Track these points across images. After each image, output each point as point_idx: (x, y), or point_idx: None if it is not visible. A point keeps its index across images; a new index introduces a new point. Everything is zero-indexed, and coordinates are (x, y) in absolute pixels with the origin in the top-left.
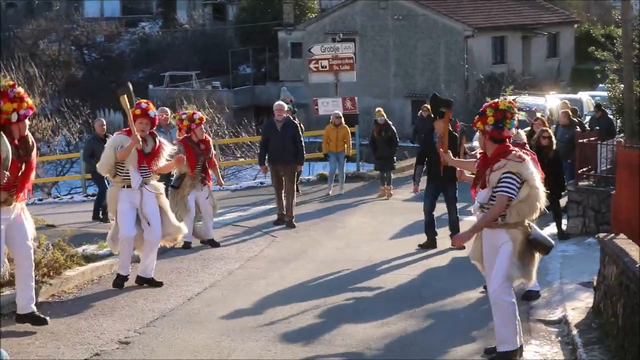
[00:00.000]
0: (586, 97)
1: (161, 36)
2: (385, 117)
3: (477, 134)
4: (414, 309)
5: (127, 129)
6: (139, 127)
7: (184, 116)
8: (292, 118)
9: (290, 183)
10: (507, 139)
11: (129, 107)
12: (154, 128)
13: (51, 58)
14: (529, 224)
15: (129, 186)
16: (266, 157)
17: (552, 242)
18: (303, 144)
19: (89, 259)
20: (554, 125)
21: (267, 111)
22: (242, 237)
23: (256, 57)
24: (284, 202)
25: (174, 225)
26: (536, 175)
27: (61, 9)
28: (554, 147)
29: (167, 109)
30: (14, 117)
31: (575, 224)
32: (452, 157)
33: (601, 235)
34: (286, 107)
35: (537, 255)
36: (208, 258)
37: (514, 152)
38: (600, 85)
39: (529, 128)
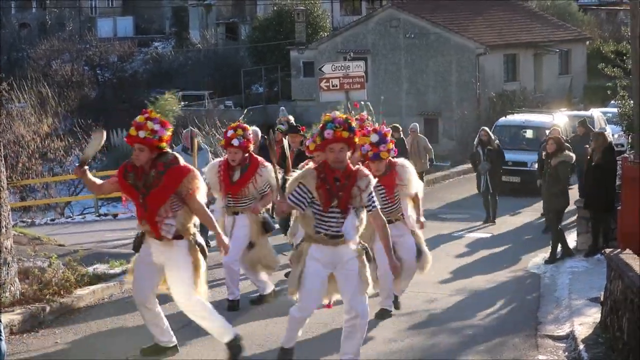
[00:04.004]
0: (597, 114)
1: (174, 56)
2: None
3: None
4: (421, 327)
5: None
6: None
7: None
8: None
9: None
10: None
11: None
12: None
13: (64, 78)
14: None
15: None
16: None
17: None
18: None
19: (100, 278)
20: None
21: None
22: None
23: (268, 77)
24: None
25: None
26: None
27: (74, 29)
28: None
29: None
30: None
31: (584, 240)
32: None
33: (607, 250)
34: (259, 132)
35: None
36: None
37: None
38: (612, 102)
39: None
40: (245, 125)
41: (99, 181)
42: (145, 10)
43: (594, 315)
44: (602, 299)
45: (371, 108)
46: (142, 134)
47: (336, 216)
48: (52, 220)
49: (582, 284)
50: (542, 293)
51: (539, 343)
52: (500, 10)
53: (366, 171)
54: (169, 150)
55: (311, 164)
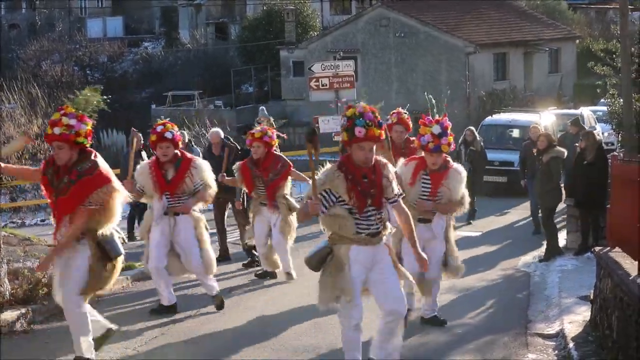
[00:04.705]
0: (587, 112)
1: (164, 56)
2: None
3: None
4: (411, 326)
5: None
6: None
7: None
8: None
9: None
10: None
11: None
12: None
13: (54, 79)
14: None
15: None
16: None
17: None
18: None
19: None
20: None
21: None
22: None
23: (258, 76)
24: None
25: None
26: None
27: (64, 30)
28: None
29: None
30: None
31: (574, 239)
32: None
33: (597, 249)
34: (222, 134)
35: None
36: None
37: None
38: (602, 100)
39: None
40: (172, 122)
41: (26, 168)
42: (135, 10)
43: (584, 313)
44: (591, 297)
45: (433, 101)
46: (57, 130)
47: (373, 213)
48: (42, 220)
49: (572, 282)
50: (532, 291)
51: (529, 341)
52: (490, 9)
53: (384, 160)
54: (92, 151)
55: (329, 165)
